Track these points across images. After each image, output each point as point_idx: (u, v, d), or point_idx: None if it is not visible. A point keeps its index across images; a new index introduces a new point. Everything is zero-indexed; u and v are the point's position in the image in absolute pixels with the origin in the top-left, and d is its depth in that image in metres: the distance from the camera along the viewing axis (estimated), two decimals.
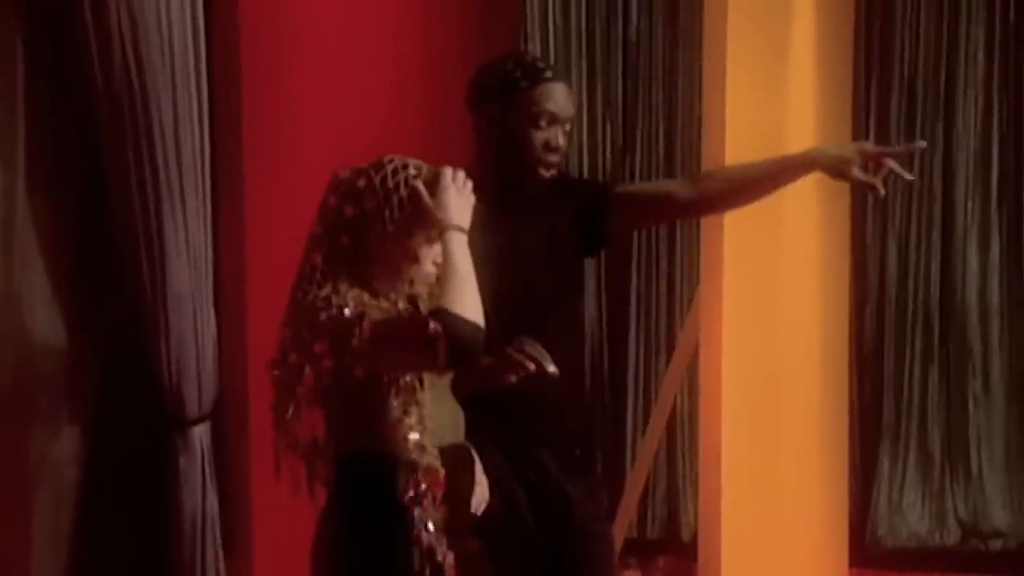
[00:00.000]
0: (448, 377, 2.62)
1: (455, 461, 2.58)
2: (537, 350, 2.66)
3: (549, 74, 2.99)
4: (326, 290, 2.47)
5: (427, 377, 2.53)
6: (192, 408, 3.20)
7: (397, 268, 2.54)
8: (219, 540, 3.24)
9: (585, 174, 5.84)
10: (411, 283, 2.57)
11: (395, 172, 2.54)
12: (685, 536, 5.79)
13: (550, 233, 3.04)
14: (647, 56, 5.96)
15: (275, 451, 2.58)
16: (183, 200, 3.13)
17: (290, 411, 2.53)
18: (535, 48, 5.79)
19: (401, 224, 2.51)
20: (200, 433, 3.22)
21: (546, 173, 2.98)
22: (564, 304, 3.05)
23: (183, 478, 3.19)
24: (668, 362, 5.45)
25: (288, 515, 3.41)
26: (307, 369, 2.46)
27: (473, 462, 2.64)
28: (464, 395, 2.66)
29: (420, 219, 2.51)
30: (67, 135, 3.10)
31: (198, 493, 3.20)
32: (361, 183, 2.55)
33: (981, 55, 5.84)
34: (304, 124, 3.62)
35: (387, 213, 2.51)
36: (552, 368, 2.65)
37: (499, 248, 2.87)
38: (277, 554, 3.44)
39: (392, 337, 2.42)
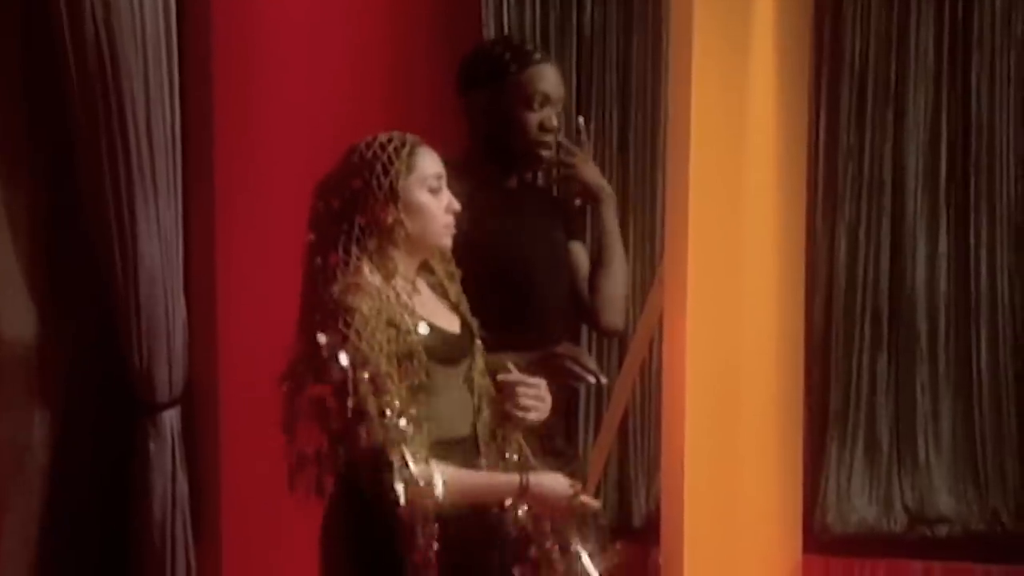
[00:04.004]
0: (457, 366, 2.59)
1: (463, 453, 2.56)
2: (592, 361, 2.72)
3: (539, 56, 3.03)
4: (337, 286, 2.43)
5: (433, 369, 2.49)
6: (162, 392, 3.20)
7: (409, 233, 2.52)
8: (189, 524, 3.24)
9: None
10: (412, 245, 2.54)
11: (367, 145, 2.54)
12: (637, 522, 5.83)
13: (552, 219, 3.10)
14: (601, 46, 5.99)
15: (288, 465, 2.47)
16: (154, 183, 3.13)
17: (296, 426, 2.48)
18: (488, 37, 5.79)
19: (393, 186, 2.50)
20: (170, 418, 3.22)
21: (544, 154, 3.02)
22: (565, 284, 3.09)
23: (153, 463, 3.19)
24: (620, 353, 5.49)
25: (257, 500, 3.43)
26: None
27: (479, 455, 2.63)
28: None
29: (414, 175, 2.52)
30: (38, 118, 3.08)
31: (168, 478, 3.21)
32: (344, 170, 2.54)
33: (931, 50, 5.92)
34: (275, 108, 3.61)
35: (375, 182, 2.50)
36: (604, 380, 2.73)
37: (507, 224, 2.93)
38: (246, 539, 3.44)
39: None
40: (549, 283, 3.02)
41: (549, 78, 3.01)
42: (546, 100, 2.99)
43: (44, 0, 2.97)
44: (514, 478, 2.55)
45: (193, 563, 3.26)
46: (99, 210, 3.08)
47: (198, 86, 3.32)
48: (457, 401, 2.59)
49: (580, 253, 3.21)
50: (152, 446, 3.19)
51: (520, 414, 2.68)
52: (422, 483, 2.37)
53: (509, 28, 5.82)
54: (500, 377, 2.68)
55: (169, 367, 3.20)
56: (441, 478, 2.40)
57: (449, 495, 2.41)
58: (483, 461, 2.62)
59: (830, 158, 5.94)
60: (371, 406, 2.37)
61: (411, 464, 2.37)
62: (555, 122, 3.01)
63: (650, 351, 5.15)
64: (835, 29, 5.94)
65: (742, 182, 4.25)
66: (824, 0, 5.84)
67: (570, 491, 2.60)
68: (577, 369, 2.76)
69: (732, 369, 4.15)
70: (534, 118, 2.98)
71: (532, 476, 2.57)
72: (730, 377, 4.12)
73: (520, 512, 2.57)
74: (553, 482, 2.60)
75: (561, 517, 2.62)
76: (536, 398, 2.69)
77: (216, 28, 3.36)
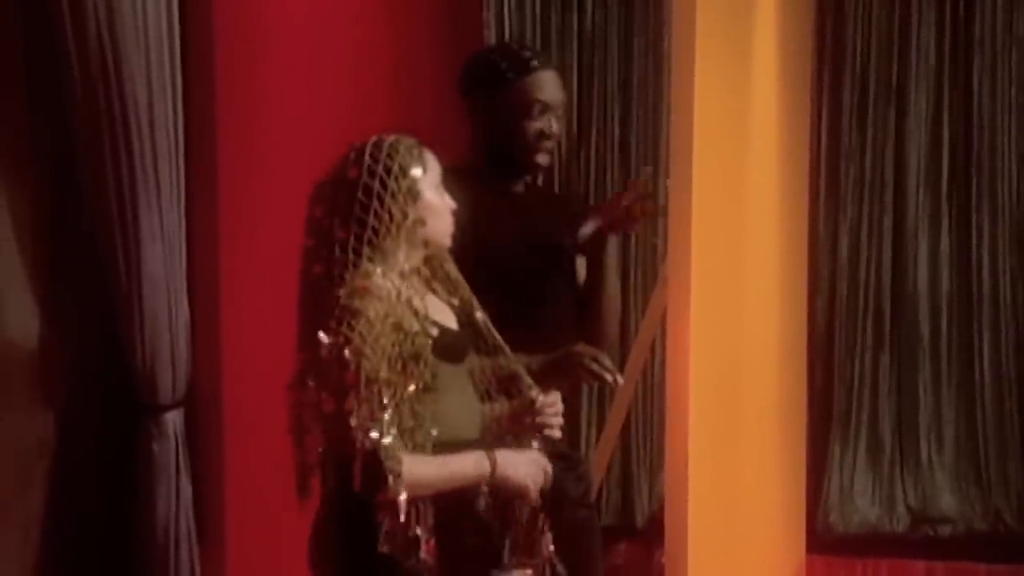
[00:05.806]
0: (461, 364, 2.56)
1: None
2: (608, 360, 2.72)
3: (536, 63, 3.00)
4: (345, 290, 2.40)
5: (439, 368, 2.46)
6: (165, 394, 3.19)
7: (412, 234, 2.49)
8: (193, 526, 3.24)
9: None
10: (426, 244, 2.53)
11: (375, 146, 2.48)
12: (639, 522, 5.83)
13: (556, 223, 3.09)
14: (602, 48, 6.00)
15: (298, 471, 2.46)
16: (157, 185, 3.12)
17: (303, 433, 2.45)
18: (489, 38, 5.79)
19: (412, 186, 2.47)
20: (173, 419, 3.20)
21: (542, 160, 3.01)
22: (569, 287, 3.08)
23: (156, 464, 3.18)
24: (623, 352, 5.49)
25: (261, 500, 3.43)
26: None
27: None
28: None
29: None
30: (41, 120, 3.07)
31: (172, 479, 3.19)
32: (351, 171, 2.47)
33: (932, 50, 5.93)
34: (277, 110, 3.62)
35: (394, 183, 2.44)
36: (621, 379, 2.74)
37: (510, 228, 2.92)
38: (250, 540, 3.44)
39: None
40: (552, 286, 3.01)
41: (547, 86, 2.98)
42: (545, 108, 2.96)
43: (46, 2, 2.97)
44: (481, 455, 2.46)
45: (197, 564, 3.25)
46: (102, 212, 3.07)
47: (201, 87, 3.32)
48: (464, 402, 2.56)
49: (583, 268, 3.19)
50: (155, 447, 3.18)
51: (547, 432, 2.61)
52: (391, 478, 2.31)
53: (511, 30, 5.83)
54: (532, 396, 2.61)
55: (172, 368, 3.19)
56: (402, 467, 2.33)
57: (413, 480, 2.34)
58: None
59: (832, 158, 5.95)
60: (365, 410, 2.33)
61: (394, 467, 2.32)
62: (555, 128, 2.98)
63: (653, 351, 5.17)
64: (837, 30, 5.96)
65: (744, 183, 4.25)
66: (826, 1, 5.85)
67: (544, 472, 2.52)
68: (596, 368, 2.76)
69: (735, 369, 4.15)
70: (533, 126, 2.96)
71: (499, 453, 2.48)
72: (733, 377, 4.12)
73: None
74: (523, 459, 2.52)
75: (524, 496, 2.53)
76: (558, 415, 2.64)
77: (219, 30, 3.36)
